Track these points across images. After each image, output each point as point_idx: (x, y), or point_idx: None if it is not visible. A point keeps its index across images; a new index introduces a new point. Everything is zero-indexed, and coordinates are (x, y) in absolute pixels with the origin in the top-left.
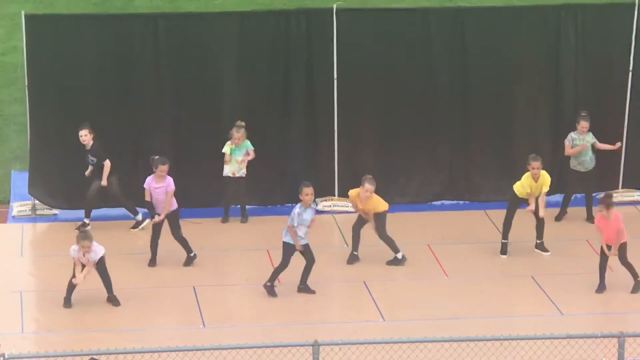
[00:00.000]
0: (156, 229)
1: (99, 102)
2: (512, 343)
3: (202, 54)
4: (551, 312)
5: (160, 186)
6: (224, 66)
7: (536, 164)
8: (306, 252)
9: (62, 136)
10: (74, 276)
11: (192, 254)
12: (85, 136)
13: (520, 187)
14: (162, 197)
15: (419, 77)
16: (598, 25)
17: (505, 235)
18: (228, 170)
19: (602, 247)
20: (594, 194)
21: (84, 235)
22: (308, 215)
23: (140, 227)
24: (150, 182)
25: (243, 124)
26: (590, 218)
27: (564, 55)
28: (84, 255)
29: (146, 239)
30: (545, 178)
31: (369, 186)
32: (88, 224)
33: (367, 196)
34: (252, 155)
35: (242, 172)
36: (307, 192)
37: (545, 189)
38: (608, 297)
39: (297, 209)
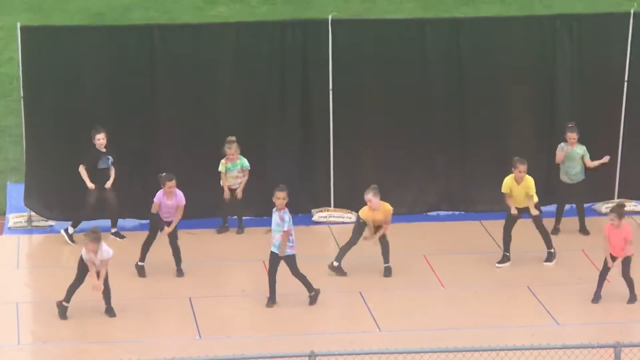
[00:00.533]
0: (152, 236)
1: (95, 113)
2: (509, 353)
3: (198, 64)
4: (547, 322)
5: (171, 203)
6: (220, 77)
7: (522, 167)
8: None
9: (57, 148)
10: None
11: (180, 269)
12: (104, 139)
13: (504, 184)
14: (173, 212)
15: (415, 88)
16: (593, 36)
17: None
18: (223, 183)
19: (606, 258)
20: (587, 205)
21: (91, 237)
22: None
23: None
24: (161, 198)
25: (234, 138)
26: (583, 229)
27: (559, 65)
28: (95, 255)
29: (140, 249)
30: (529, 182)
31: (374, 198)
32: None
33: (375, 207)
34: (246, 176)
35: (239, 184)
36: (278, 195)
37: (531, 191)
38: (604, 308)
39: (286, 215)
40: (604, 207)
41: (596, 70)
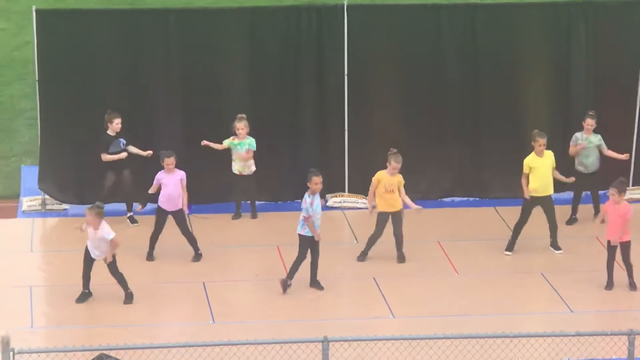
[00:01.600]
0: (160, 224)
1: (109, 97)
2: (522, 340)
3: (212, 49)
4: (561, 310)
5: (171, 180)
6: (235, 62)
7: (542, 140)
8: (314, 245)
9: (72, 131)
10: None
11: (199, 252)
12: (119, 123)
13: (524, 165)
14: (174, 191)
15: (430, 74)
16: (609, 23)
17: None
18: (235, 169)
19: (608, 243)
20: (601, 192)
21: (95, 211)
22: (317, 200)
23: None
24: (160, 177)
25: (244, 115)
26: (597, 214)
27: (574, 52)
28: (95, 230)
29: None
30: (551, 155)
31: (395, 163)
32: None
33: (393, 173)
34: (250, 155)
35: (250, 170)
36: (317, 181)
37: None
38: (618, 295)
39: (307, 198)
40: None
41: (611, 57)
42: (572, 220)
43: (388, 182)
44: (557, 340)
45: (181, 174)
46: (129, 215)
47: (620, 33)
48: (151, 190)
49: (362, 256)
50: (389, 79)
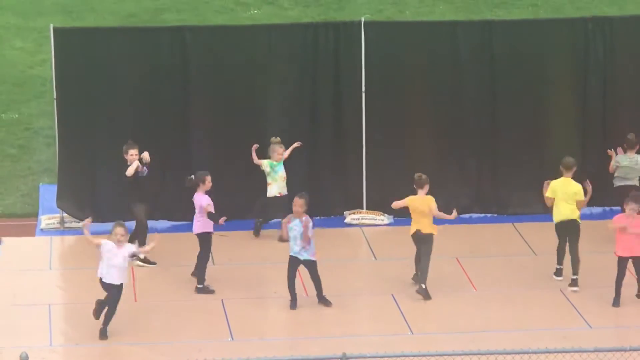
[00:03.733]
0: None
1: (127, 115)
2: (541, 356)
3: (229, 66)
4: (579, 326)
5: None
6: (252, 78)
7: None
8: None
9: (90, 149)
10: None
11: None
12: (136, 155)
13: (550, 189)
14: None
15: (447, 91)
16: (626, 38)
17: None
18: (276, 190)
19: (619, 259)
20: (608, 209)
21: (123, 227)
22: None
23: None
24: (207, 199)
25: (279, 139)
26: None
27: (592, 68)
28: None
29: (172, 250)
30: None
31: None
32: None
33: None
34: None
35: (285, 190)
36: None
37: (579, 196)
38: (636, 310)
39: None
40: None
41: (629, 72)
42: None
43: (417, 206)
44: (576, 356)
45: (205, 199)
46: (143, 257)
47: (637, 47)
48: (211, 210)
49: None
50: (406, 95)
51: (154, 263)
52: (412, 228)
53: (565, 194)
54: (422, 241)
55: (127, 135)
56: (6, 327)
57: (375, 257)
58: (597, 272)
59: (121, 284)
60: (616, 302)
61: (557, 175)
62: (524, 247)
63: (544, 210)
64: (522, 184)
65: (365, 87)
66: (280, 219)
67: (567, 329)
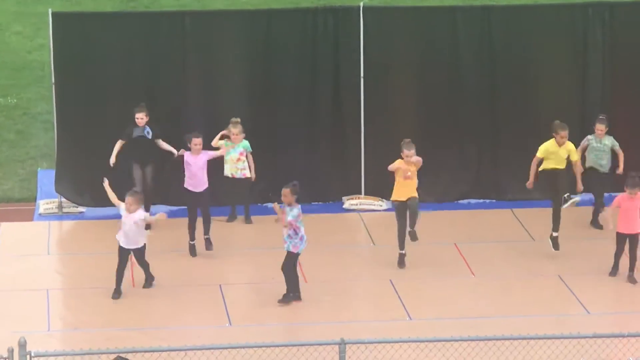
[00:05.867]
0: (193, 208)
1: (125, 99)
2: (539, 342)
3: (228, 51)
4: (578, 311)
5: (196, 161)
6: (251, 64)
7: (564, 132)
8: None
9: (88, 134)
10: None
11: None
12: (142, 118)
13: (540, 149)
14: (198, 172)
15: (446, 76)
16: (626, 23)
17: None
18: (227, 171)
19: (618, 235)
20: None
21: (137, 197)
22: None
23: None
24: (186, 157)
25: (239, 119)
26: (595, 222)
27: (591, 53)
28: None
29: (171, 236)
30: (572, 146)
31: (407, 151)
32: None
33: (408, 162)
34: (250, 158)
35: (243, 174)
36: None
37: (575, 156)
38: (635, 296)
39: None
40: None
41: (628, 58)
42: (597, 213)
43: (406, 168)
44: (574, 342)
45: (206, 154)
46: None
47: (637, 33)
48: (177, 155)
49: (402, 259)
50: (405, 80)
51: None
52: (406, 194)
53: (559, 156)
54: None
55: (125, 121)
56: (4, 312)
57: (373, 243)
58: (596, 258)
59: (128, 249)
60: (613, 272)
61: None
62: (522, 233)
63: (542, 197)
64: (521, 170)
65: (364, 72)
66: (231, 205)
67: (566, 314)
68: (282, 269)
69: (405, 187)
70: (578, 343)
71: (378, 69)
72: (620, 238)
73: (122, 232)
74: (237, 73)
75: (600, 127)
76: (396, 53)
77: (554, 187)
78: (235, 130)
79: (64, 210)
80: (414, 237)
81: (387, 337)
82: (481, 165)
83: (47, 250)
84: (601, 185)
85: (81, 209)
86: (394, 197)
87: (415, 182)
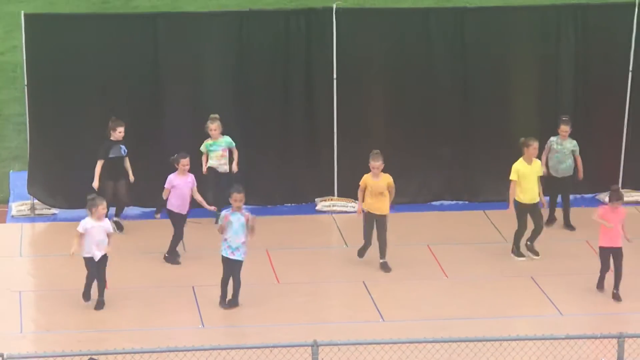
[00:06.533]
0: (181, 227)
1: (98, 102)
2: (512, 344)
3: (201, 53)
4: (551, 313)
5: (185, 186)
6: (224, 66)
7: (535, 143)
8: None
9: (61, 135)
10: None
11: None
12: (122, 132)
13: (513, 171)
14: (187, 193)
15: (419, 78)
16: (598, 25)
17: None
18: (212, 164)
19: (601, 249)
20: (590, 195)
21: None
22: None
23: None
24: (172, 180)
25: (217, 115)
26: (567, 224)
27: (563, 55)
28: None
29: (143, 238)
30: (538, 163)
31: (373, 162)
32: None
33: (376, 173)
34: (235, 153)
35: (225, 169)
36: (236, 198)
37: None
38: (607, 298)
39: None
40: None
41: (600, 60)
42: (551, 221)
43: (374, 184)
44: (547, 344)
45: (192, 177)
46: (115, 219)
47: (609, 35)
48: (165, 195)
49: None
50: (378, 82)
51: (122, 228)
52: (376, 208)
53: (534, 174)
54: (382, 231)
55: (98, 123)
56: None
57: (346, 244)
58: (568, 259)
59: (91, 257)
60: (599, 286)
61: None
62: (495, 234)
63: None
64: (494, 171)
65: (337, 74)
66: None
67: (539, 316)
68: (235, 280)
69: (376, 203)
70: (551, 344)
71: (351, 70)
72: (604, 253)
73: (93, 243)
74: (211, 75)
75: (565, 129)
76: (369, 55)
77: (534, 215)
78: (212, 125)
79: (37, 212)
80: (385, 269)
81: (359, 339)
82: (453, 167)
83: (20, 252)
84: (566, 188)
85: (54, 210)
86: (364, 206)
87: (386, 197)
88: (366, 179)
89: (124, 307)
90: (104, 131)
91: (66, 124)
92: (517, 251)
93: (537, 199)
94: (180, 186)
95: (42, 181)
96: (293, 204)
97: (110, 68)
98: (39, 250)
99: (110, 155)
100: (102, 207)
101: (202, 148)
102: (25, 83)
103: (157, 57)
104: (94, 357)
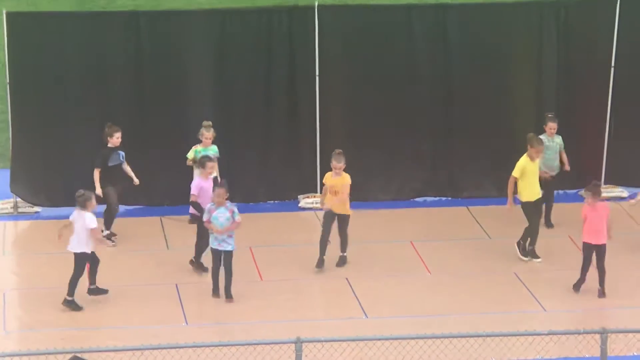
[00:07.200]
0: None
1: (81, 100)
2: (495, 339)
3: (184, 51)
4: (534, 309)
5: (209, 185)
6: (206, 64)
7: (541, 147)
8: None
9: (44, 134)
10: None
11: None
12: (120, 137)
13: (517, 168)
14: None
15: (401, 74)
16: (580, 21)
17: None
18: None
19: (585, 245)
20: (573, 190)
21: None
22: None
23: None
24: (200, 184)
25: (210, 123)
26: (548, 222)
27: (546, 51)
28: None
29: (126, 236)
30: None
31: (335, 163)
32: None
33: (337, 172)
34: (215, 163)
35: (216, 173)
36: (218, 193)
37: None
38: (591, 294)
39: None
40: None
41: (583, 56)
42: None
43: (331, 184)
44: (530, 339)
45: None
46: (106, 233)
47: (591, 31)
48: (193, 199)
49: (320, 263)
50: (360, 79)
51: (114, 243)
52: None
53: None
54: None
55: (81, 121)
56: None
57: (329, 241)
58: (551, 256)
59: (82, 253)
60: (577, 286)
61: (510, 158)
62: (478, 230)
63: (498, 194)
64: (477, 167)
65: (319, 71)
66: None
67: (522, 312)
68: (227, 271)
69: (333, 202)
70: (534, 340)
71: (333, 67)
72: (587, 249)
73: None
74: (193, 72)
75: (553, 125)
76: (352, 52)
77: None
78: (208, 134)
79: (20, 210)
80: (341, 263)
81: (343, 336)
82: (436, 163)
83: (3, 250)
84: (551, 186)
85: (37, 209)
86: (326, 205)
87: (341, 198)
88: (327, 177)
89: (107, 305)
90: (85, 130)
91: (49, 122)
92: (533, 253)
93: (540, 194)
94: (207, 188)
95: (24, 179)
96: (276, 201)
97: (93, 66)
98: (22, 248)
99: (110, 164)
100: (94, 199)
101: (190, 154)
102: (7, 81)
103: (140, 55)
104: (77, 355)
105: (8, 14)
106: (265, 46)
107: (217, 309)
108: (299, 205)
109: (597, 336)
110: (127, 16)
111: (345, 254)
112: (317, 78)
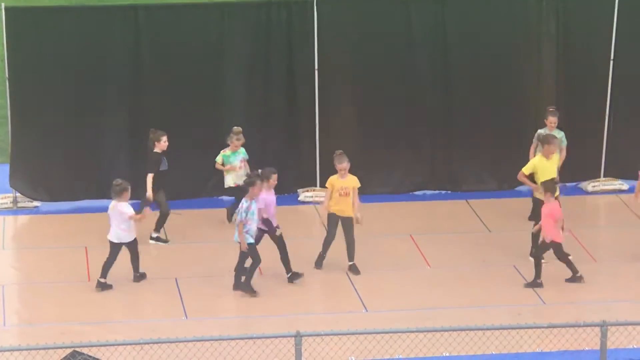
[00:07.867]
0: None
1: (80, 94)
2: (495, 333)
3: (182, 45)
4: (533, 302)
5: (272, 197)
6: (204, 57)
7: (554, 146)
8: (252, 252)
9: (43, 129)
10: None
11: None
12: (167, 141)
13: (529, 165)
14: (274, 209)
15: (400, 67)
16: (579, 14)
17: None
18: (231, 181)
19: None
20: (572, 183)
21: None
22: (254, 206)
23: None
24: (266, 198)
25: (240, 129)
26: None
27: (545, 44)
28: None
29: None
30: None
31: (339, 164)
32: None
33: (342, 174)
34: (247, 166)
35: (241, 181)
36: (259, 185)
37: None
38: (590, 287)
39: (245, 202)
40: (590, 185)
41: (582, 50)
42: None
43: (341, 186)
44: (530, 332)
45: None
46: (155, 235)
47: (591, 23)
48: (265, 216)
49: (320, 260)
50: (359, 73)
51: (166, 241)
52: (341, 210)
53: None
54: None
55: (81, 115)
56: None
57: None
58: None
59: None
60: (571, 280)
61: (509, 151)
62: (477, 223)
63: (498, 187)
64: (476, 160)
65: (318, 65)
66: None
67: (521, 305)
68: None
69: (340, 204)
70: (534, 333)
71: (332, 61)
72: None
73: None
74: (191, 67)
75: (553, 120)
76: (350, 45)
77: None
78: (238, 142)
79: (19, 204)
80: (354, 271)
81: (343, 329)
82: (436, 157)
83: (2, 245)
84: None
85: (36, 203)
86: (330, 208)
87: (350, 199)
88: (332, 180)
89: (106, 299)
90: (85, 124)
91: (48, 117)
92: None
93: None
94: (272, 202)
95: (24, 174)
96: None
97: (92, 61)
98: (21, 243)
99: (161, 169)
100: (130, 190)
101: (219, 159)
102: (7, 76)
103: (138, 49)
104: (77, 349)
105: (6, 9)
106: (264, 40)
107: (217, 303)
108: (299, 199)
109: (597, 329)
110: (126, 10)
111: (353, 262)
112: (316, 71)
